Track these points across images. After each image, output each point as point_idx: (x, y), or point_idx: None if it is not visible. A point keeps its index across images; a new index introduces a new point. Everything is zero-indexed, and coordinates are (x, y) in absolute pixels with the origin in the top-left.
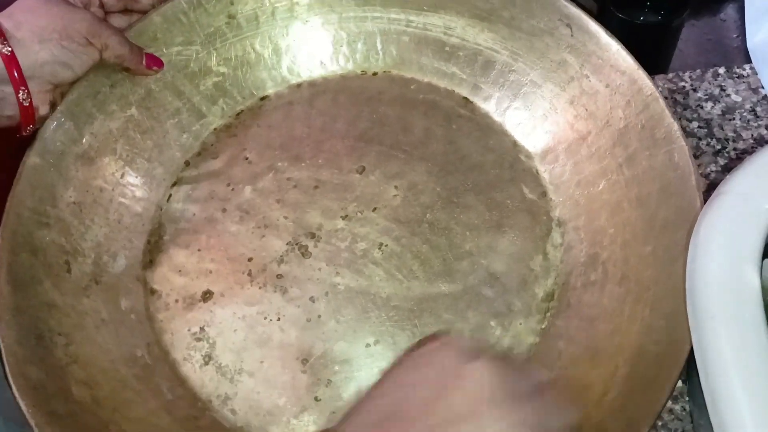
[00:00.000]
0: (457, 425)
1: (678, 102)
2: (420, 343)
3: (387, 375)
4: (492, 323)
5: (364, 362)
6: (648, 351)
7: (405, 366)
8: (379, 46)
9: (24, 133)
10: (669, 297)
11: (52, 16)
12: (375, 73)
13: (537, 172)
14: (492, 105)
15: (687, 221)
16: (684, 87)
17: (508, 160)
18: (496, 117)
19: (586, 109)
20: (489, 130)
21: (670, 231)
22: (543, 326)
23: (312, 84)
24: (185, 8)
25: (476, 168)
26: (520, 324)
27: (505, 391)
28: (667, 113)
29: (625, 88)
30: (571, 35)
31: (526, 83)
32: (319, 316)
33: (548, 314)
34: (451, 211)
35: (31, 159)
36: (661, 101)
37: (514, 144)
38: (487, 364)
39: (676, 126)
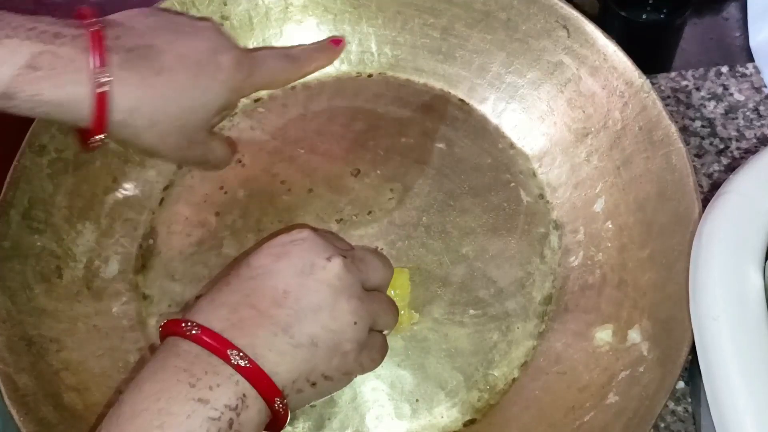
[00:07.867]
0: (312, 315)
1: (680, 101)
2: (280, 232)
3: (244, 260)
4: (489, 327)
5: None
6: (646, 355)
7: (263, 254)
8: (374, 48)
9: (89, 144)
10: (666, 302)
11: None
12: (370, 75)
13: (534, 175)
14: (488, 107)
15: (685, 225)
16: (687, 86)
17: (504, 163)
18: (493, 119)
19: (583, 111)
20: (485, 133)
21: (667, 235)
22: (541, 330)
23: (306, 86)
24: (177, 9)
25: (472, 171)
26: (518, 328)
27: (354, 288)
28: (665, 115)
29: (622, 90)
30: (568, 37)
31: (523, 85)
32: None
33: (546, 318)
34: (447, 214)
35: (22, 163)
36: (659, 103)
37: (511, 146)
38: (341, 261)
39: (674, 128)
